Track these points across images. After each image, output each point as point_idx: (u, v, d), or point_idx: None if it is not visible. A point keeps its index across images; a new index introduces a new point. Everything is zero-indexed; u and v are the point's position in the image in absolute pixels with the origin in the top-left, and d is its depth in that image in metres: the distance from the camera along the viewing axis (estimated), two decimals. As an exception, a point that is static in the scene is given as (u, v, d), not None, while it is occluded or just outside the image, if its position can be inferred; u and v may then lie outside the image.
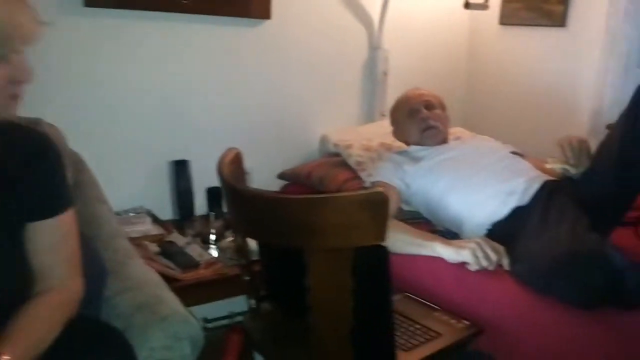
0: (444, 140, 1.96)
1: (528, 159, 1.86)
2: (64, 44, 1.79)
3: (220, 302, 1.82)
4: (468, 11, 2.60)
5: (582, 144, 1.67)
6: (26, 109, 1.46)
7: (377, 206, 0.98)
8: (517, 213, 1.61)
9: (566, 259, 1.30)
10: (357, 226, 0.99)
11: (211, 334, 2.05)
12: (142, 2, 1.87)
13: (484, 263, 1.46)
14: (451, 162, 1.81)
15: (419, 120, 1.94)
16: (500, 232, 1.59)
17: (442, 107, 2.04)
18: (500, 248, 1.49)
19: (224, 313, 2.07)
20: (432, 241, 1.56)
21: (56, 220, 1.09)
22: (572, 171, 1.67)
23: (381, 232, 1.00)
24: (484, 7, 2.41)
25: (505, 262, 1.49)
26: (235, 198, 1.13)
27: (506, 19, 2.59)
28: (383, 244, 1.00)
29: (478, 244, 1.48)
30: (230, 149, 1.28)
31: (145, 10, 1.89)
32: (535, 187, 1.65)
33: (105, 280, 1.34)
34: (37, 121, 1.48)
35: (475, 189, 1.70)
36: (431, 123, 1.93)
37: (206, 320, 2.07)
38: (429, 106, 1.98)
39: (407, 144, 2.03)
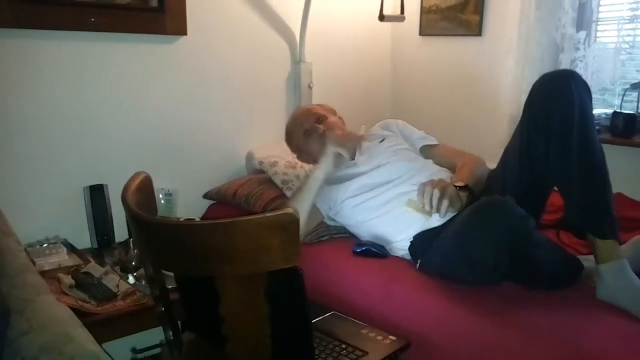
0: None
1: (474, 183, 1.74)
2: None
3: (151, 330, 1.74)
4: (389, 23, 2.64)
5: (444, 190, 1.51)
6: None
7: (288, 228, 0.95)
8: (439, 226, 1.61)
9: (471, 215, 1.35)
10: (269, 250, 0.95)
11: (141, 365, 1.98)
12: (46, 21, 1.78)
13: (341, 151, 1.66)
14: (367, 188, 1.76)
15: (317, 137, 1.88)
16: (422, 242, 1.60)
17: (333, 112, 2.01)
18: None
19: (155, 342, 1.98)
20: (311, 175, 1.70)
21: None
22: (429, 218, 1.59)
23: (293, 254, 0.96)
24: (400, 19, 2.44)
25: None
26: (140, 228, 1.07)
27: (426, 30, 2.64)
28: (296, 265, 0.97)
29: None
30: (137, 174, 1.21)
31: (51, 29, 1.80)
32: None
33: (7, 322, 1.25)
34: None
35: (397, 215, 1.68)
36: (329, 134, 1.85)
37: (135, 351, 1.99)
38: (320, 119, 1.92)
39: (316, 163, 1.93)
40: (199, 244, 0.96)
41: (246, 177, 2.24)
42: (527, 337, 1.25)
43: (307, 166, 2.11)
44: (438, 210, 1.48)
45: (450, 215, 1.56)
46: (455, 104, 2.59)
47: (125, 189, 1.13)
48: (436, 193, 1.49)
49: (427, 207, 1.50)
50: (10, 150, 1.80)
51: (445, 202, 1.48)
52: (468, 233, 1.35)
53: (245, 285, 0.98)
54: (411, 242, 1.62)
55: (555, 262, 1.37)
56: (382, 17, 2.36)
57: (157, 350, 1.99)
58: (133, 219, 1.06)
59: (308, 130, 1.92)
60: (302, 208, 1.67)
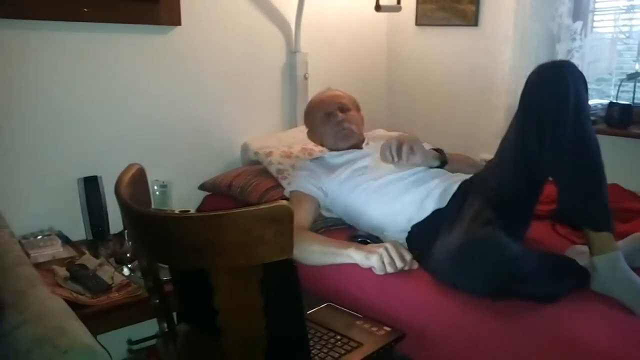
0: (359, 143, 1.95)
1: (451, 155, 1.86)
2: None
3: (145, 322, 1.74)
4: (385, 13, 2.62)
5: (404, 139, 1.68)
6: None
7: (281, 220, 0.94)
8: (436, 215, 1.62)
9: (459, 250, 1.31)
10: (261, 242, 0.94)
11: (138, 356, 1.97)
12: (37, 12, 1.76)
13: (389, 269, 1.47)
14: (367, 171, 1.79)
15: (335, 123, 1.93)
16: (420, 235, 1.60)
17: (357, 108, 2.04)
18: (408, 256, 1.51)
19: (151, 333, 1.98)
20: (346, 248, 1.56)
21: None
22: (398, 168, 1.72)
23: (287, 247, 0.96)
24: (396, 9, 2.43)
25: (414, 267, 1.51)
26: (133, 220, 1.06)
27: (421, 20, 2.63)
28: (290, 257, 0.97)
29: (386, 249, 1.49)
30: (130, 165, 1.21)
31: (43, 20, 1.78)
32: (452, 189, 1.67)
33: (1, 314, 1.24)
34: None
35: (391, 199, 1.69)
36: (346, 126, 1.92)
37: (131, 342, 1.98)
38: (343, 109, 1.96)
39: (322, 145, 2.02)
40: (191, 236, 0.96)
41: (241, 168, 2.23)
42: (520, 328, 1.25)
43: (301, 155, 2.11)
44: (400, 158, 1.64)
45: (418, 167, 1.73)
46: (451, 94, 2.58)
47: (119, 182, 1.12)
48: (394, 142, 1.66)
49: (388, 156, 1.66)
50: (3, 142, 1.78)
51: (404, 148, 1.64)
52: (456, 271, 1.33)
53: (240, 278, 0.97)
54: (409, 232, 1.62)
55: (548, 284, 1.33)
56: (378, 8, 2.34)
57: (154, 342, 1.99)
58: (126, 211, 1.05)
59: (328, 114, 1.94)
60: (309, 252, 1.59)
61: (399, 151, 1.65)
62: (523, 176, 1.50)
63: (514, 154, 1.51)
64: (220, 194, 2.14)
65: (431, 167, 1.77)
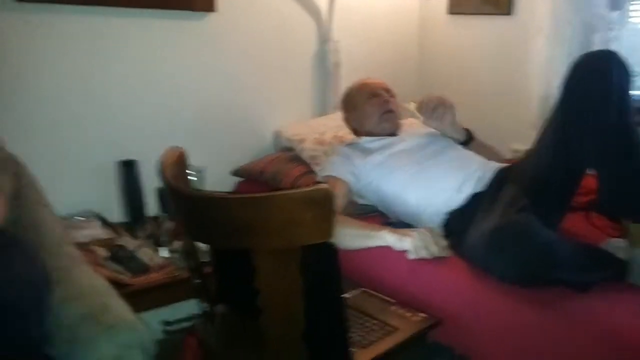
0: (396, 129, 1.96)
1: (478, 140, 1.90)
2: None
3: (181, 303, 1.78)
4: (418, 2, 2.61)
5: (447, 104, 1.79)
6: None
7: (321, 203, 0.96)
8: (473, 199, 1.62)
9: (493, 235, 1.32)
10: (302, 225, 0.96)
11: (173, 337, 2.01)
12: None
13: (423, 253, 1.48)
14: (403, 154, 1.81)
15: (380, 102, 1.94)
16: (456, 220, 1.61)
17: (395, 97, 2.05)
18: (443, 242, 1.51)
19: (185, 315, 2.02)
20: (379, 231, 1.58)
21: None
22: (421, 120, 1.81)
23: (327, 230, 0.98)
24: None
25: (447, 254, 1.51)
26: (179, 200, 1.09)
27: (454, 8, 2.61)
28: (331, 240, 0.98)
29: (420, 233, 1.50)
30: (172, 148, 1.23)
31: (82, 5, 1.82)
32: (489, 174, 1.67)
33: (50, 290, 1.29)
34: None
35: (430, 181, 1.70)
36: (392, 107, 1.95)
37: (167, 323, 2.02)
38: (389, 92, 2.00)
39: (357, 132, 2.02)
40: (236, 217, 0.98)
41: (274, 154, 2.25)
42: (557, 318, 1.25)
43: (334, 142, 2.12)
44: (431, 116, 1.75)
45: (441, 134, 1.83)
46: (483, 84, 2.56)
47: (163, 163, 1.15)
48: (435, 100, 1.77)
49: (424, 110, 1.76)
50: (44, 125, 1.83)
51: (440, 109, 1.75)
52: (490, 256, 1.33)
53: (280, 259, 1.00)
54: (447, 219, 1.63)
55: (581, 272, 1.32)
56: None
57: (185, 324, 2.02)
58: (172, 192, 1.08)
59: (374, 93, 1.97)
60: (342, 235, 1.57)
61: (435, 109, 1.73)
62: (562, 165, 1.49)
63: (553, 142, 1.50)
64: (253, 179, 2.16)
65: (454, 140, 1.86)
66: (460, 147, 1.87)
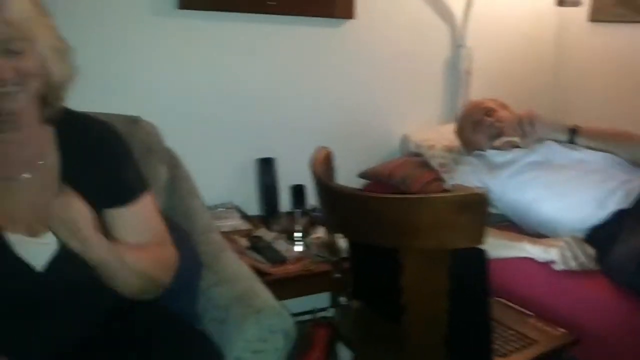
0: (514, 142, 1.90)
1: (593, 130, 1.84)
2: (158, 46, 1.88)
3: (301, 297, 1.86)
4: (556, 9, 2.51)
5: (534, 116, 1.83)
6: (125, 107, 1.57)
7: (475, 208, 0.97)
8: (619, 215, 1.54)
9: None
10: (455, 228, 0.98)
11: (300, 326, 2.09)
12: (232, 4, 1.93)
13: (572, 264, 1.42)
14: (536, 166, 1.75)
15: (484, 130, 1.95)
16: (600, 235, 1.53)
17: (504, 106, 2.02)
18: (591, 251, 1.44)
19: (306, 308, 2.10)
20: (519, 241, 1.54)
21: (132, 207, 1.11)
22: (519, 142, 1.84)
23: (479, 235, 0.99)
24: (576, 3, 2.31)
25: (592, 266, 1.44)
26: (329, 196, 1.15)
27: (597, 15, 2.47)
28: (482, 246, 0.99)
29: (568, 243, 1.45)
30: (321, 148, 1.30)
31: (236, 12, 1.95)
32: (636, 191, 1.58)
33: (201, 273, 1.40)
34: (135, 119, 1.57)
35: (569, 191, 1.64)
36: (495, 130, 1.92)
37: (294, 314, 2.10)
38: (489, 112, 1.97)
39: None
40: (389, 216, 1.02)
41: (401, 158, 2.27)
42: None
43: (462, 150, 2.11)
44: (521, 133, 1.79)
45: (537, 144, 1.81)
46: (628, 100, 2.39)
47: (314, 161, 1.22)
48: (515, 120, 1.84)
49: (513, 134, 1.82)
50: (196, 121, 1.99)
51: (525, 122, 1.80)
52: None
53: (428, 260, 1.02)
54: (589, 234, 1.57)
55: None
56: (561, 2, 2.24)
57: (307, 317, 2.10)
58: (323, 188, 1.14)
59: (476, 122, 1.97)
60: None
61: (521, 127, 1.77)
62: None
63: None
64: (380, 182, 2.19)
65: (558, 141, 1.82)
66: (599, 159, 1.77)
